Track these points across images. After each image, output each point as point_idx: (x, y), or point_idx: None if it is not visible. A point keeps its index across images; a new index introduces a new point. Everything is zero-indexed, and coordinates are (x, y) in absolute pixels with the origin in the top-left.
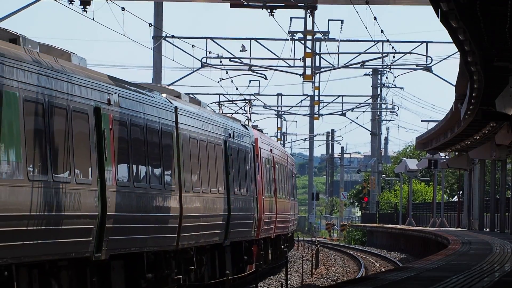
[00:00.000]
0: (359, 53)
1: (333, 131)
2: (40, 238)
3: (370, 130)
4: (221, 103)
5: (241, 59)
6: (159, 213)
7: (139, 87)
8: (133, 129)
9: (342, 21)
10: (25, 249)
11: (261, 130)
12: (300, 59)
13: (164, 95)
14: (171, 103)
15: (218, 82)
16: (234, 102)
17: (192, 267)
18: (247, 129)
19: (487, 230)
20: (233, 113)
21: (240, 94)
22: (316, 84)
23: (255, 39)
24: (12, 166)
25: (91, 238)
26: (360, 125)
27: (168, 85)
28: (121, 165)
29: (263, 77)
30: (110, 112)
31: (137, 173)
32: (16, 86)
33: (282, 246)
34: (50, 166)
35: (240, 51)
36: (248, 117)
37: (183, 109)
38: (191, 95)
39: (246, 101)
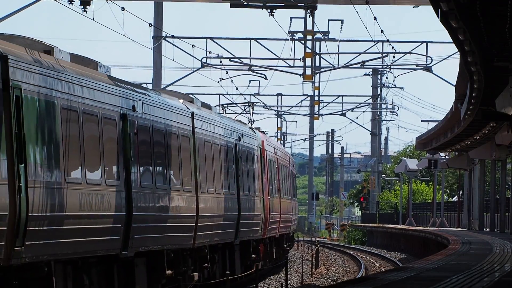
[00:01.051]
0: (359, 53)
1: (333, 131)
2: (74, 236)
3: (370, 130)
4: (224, 106)
5: (241, 59)
6: (178, 213)
7: (160, 93)
8: (155, 133)
9: (342, 21)
10: (61, 247)
11: (263, 132)
12: (300, 59)
13: (181, 101)
14: (188, 108)
15: (218, 82)
16: (238, 105)
17: (207, 265)
18: (254, 132)
19: (487, 230)
20: (236, 116)
21: (240, 94)
22: (316, 84)
23: (255, 39)
24: (53, 170)
25: (119, 237)
26: (360, 125)
27: (168, 85)
28: (145, 168)
29: (263, 77)
30: (135, 118)
31: (158, 175)
32: (55, 95)
33: (285, 245)
34: (83, 169)
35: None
36: (251, 120)
37: (199, 114)
38: (191, 95)
39: (249, 104)
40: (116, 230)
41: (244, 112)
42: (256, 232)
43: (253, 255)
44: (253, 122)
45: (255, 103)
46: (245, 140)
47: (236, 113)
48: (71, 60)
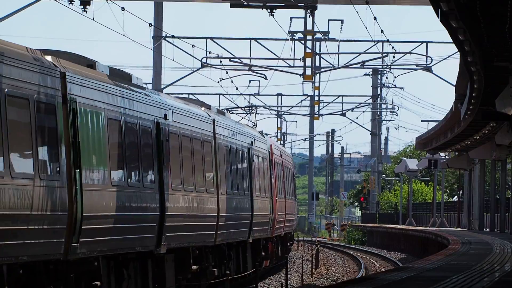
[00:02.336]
0: (359, 53)
1: (333, 131)
2: (118, 234)
3: (370, 130)
4: (229, 110)
5: (241, 59)
6: (202, 213)
7: (185, 102)
8: (183, 140)
9: (342, 21)
10: (108, 244)
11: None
12: (300, 59)
13: (203, 108)
14: (209, 115)
15: (218, 82)
16: (243, 108)
17: (225, 261)
18: (264, 137)
19: (487, 230)
20: (240, 119)
21: (240, 94)
22: (316, 84)
23: (255, 39)
24: (102, 174)
25: (153, 235)
26: (360, 125)
27: (168, 85)
28: (175, 171)
29: (263, 77)
30: (167, 126)
31: (186, 178)
32: (102, 107)
33: (288, 243)
34: (125, 173)
35: None
36: (254, 123)
37: (219, 120)
38: (191, 95)
39: (253, 108)
40: (152, 228)
41: (245, 113)
42: (266, 231)
43: (263, 253)
44: (256, 126)
45: (258, 106)
46: (257, 144)
47: (236, 114)
48: (110, 73)
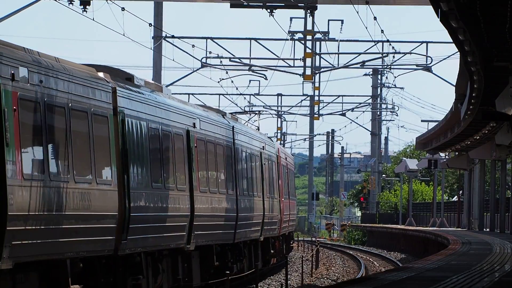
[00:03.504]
0: (359, 53)
1: (333, 131)
2: (157, 232)
3: (370, 130)
4: (233, 113)
5: (241, 59)
6: (224, 213)
7: (206, 109)
8: (208, 145)
9: (342, 21)
10: (149, 241)
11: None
12: (300, 59)
13: (221, 115)
14: (229, 123)
15: (218, 82)
16: (247, 112)
17: (241, 258)
18: (272, 141)
19: (487, 230)
20: (245, 123)
21: (240, 94)
22: (316, 84)
23: (255, 39)
24: (144, 177)
25: (185, 233)
26: (360, 125)
27: (168, 85)
28: (202, 175)
29: (263, 77)
30: (195, 133)
31: (211, 181)
32: (144, 117)
33: (291, 242)
34: (163, 177)
35: None
36: (257, 126)
37: (237, 127)
38: (191, 95)
39: (256, 112)
40: (183, 227)
41: (244, 112)
42: (274, 230)
43: (272, 251)
44: (259, 128)
45: (261, 111)
46: (267, 148)
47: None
48: (145, 85)
